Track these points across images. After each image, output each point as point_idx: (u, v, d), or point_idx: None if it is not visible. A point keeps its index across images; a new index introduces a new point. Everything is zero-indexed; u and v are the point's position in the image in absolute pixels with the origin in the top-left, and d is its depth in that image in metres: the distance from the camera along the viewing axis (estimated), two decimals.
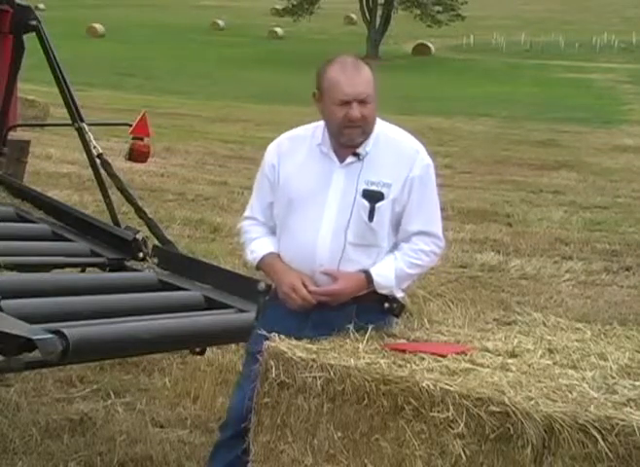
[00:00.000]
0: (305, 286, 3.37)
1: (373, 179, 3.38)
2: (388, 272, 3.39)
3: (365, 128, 3.37)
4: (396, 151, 3.43)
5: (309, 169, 3.44)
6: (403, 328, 3.49)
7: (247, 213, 3.62)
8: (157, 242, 5.26)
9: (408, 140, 3.49)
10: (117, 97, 26.28)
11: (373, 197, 3.37)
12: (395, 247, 3.45)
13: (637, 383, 2.94)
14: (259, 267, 3.56)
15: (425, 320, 3.60)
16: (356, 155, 3.40)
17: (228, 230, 9.62)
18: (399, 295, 3.46)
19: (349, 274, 3.37)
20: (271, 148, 3.55)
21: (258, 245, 3.54)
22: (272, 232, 3.55)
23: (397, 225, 3.43)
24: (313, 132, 3.48)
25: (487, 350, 3.23)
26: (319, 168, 3.43)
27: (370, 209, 3.36)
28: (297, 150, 3.49)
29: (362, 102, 3.32)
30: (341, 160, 3.41)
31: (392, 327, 3.48)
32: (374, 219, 3.37)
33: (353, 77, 3.33)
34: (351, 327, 3.32)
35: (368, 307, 3.41)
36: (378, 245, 3.41)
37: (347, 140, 3.38)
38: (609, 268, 9.15)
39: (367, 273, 3.38)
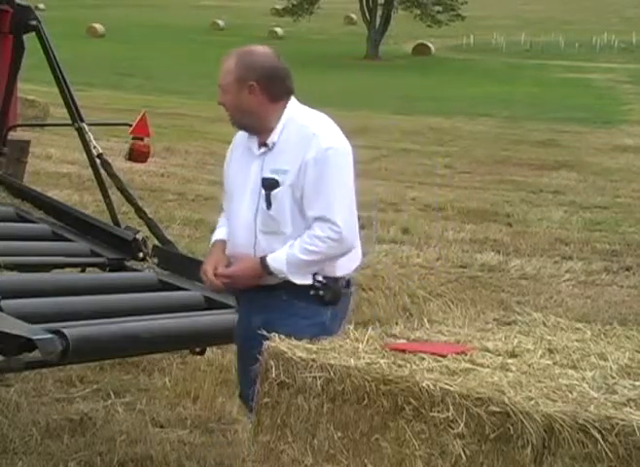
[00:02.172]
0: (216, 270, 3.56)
1: (273, 167, 3.47)
2: (280, 257, 3.44)
3: (231, 116, 3.54)
4: (297, 136, 3.48)
5: (239, 162, 3.61)
6: (403, 328, 3.50)
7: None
8: (157, 242, 5.26)
9: (311, 124, 3.50)
10: (117, 97, 26.26)
11: (268, 185, 3.46)
12: None
13: (637, 383, 2.94)
14: None
15: (425, 320, 3.61)
16: (265, 145, 3.51)
17: None
18: (297, 281, 3.46)
19: (246, 258, 3.50)
20: (231, 144, 3.74)
21: (216, 233, 3.75)
22: None
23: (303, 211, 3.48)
24: None
25: (487, 350, 3.23)
26: (244, 160, 3.58)
27: (265, 197, 3.45)
28: (238, 145, 3.66)
29: (222, 90, 3.52)
30: (258, 150, 3.54)
31: (332, 316, 3.53)
32: (272, 206, 3.45)
33: (222, 65, 3.53)
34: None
35: (296, 294, 3.47)
36: (282, 232, 3.46)
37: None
38: (609, 268, 9.14)
39: (262, 258, 3.46)
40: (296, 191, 3.42)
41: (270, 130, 3.49)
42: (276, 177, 3.43)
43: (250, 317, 3.52)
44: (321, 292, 3.48)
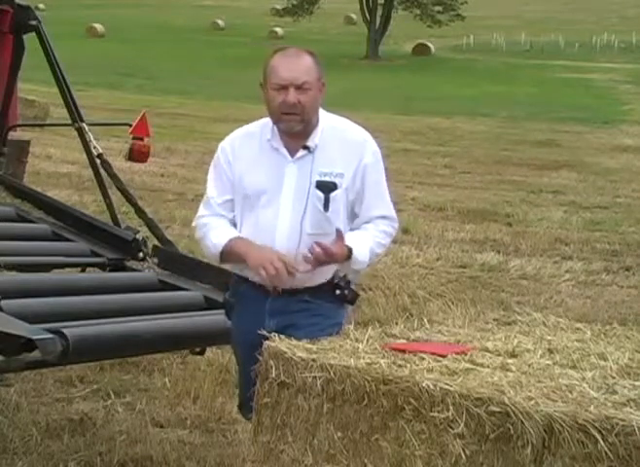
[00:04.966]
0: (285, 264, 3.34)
1: (326, 170, 3.44)
2: (365, 250, 3.47)
3: (303, 116, 3.41)
4: (344, 141, 3.49)
5: (261, 165, 3.49)
6: (403, 328, 3.50)
7: (203, 211, 3.58)
8: (157, 242, 5.26)
9: (354, 130, 3.56)
10: (117, 97, 26.26)
11: (326, 187, 3.43)
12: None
13: (637, 383, 2.94)
14: (224, 252, 3.48)
15: (425, 320, 3.61)
16: (306, 148, 3.45)
17: None
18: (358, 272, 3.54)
19: (341, 244, 3.39)
20: (225, 145, 3.59)
21: (226, 232, 3.49)
22: (233, 224, 3.55)
23: (352, 212, 3.51)
24: (262, 128, 3.54)
25: (487, 350, 3.23)
26: (271, 163, 3.48)
27: (324, 199, 3.43)
28: (248, 146, 3.55)
29: (299, 88, 3.38)
30: (292, 154, 3.47)
31: (347, 316, 3.55)
32: (330, 208, 3.44)
33: (291, 63, 3.41)
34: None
35: (320, 295, 3.47)
36: (334, 233, 3.44)
37: (286, 127, 3.43)
38: (609, 268, 9.14)
39: (350, 249, 3.42)
40: (350, 193, 3.46)
41: (310, 132, 3.47)
42: (334, 180, 3.43)
43: (261, 323, 3.38)
44: (346, 291, 3.50)
